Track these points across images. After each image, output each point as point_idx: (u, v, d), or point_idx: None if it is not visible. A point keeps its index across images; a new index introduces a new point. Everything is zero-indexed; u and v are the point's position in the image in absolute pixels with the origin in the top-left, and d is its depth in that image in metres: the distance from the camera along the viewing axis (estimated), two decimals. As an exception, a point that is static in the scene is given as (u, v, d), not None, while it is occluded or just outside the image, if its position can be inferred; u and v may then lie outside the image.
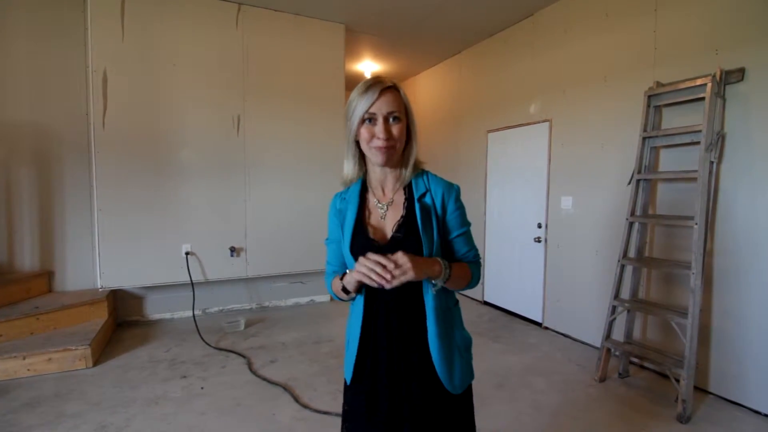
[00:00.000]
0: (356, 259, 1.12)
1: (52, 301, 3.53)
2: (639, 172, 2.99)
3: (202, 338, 3.64)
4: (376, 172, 1.18)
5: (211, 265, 4.11)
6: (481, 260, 1.25)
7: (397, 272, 0.96)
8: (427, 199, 1.15)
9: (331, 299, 4.90)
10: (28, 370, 2.92)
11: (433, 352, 1.12)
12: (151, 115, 3.80)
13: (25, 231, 3.74)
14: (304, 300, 4.83)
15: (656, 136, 2.94)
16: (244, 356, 3.32)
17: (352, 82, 6.26)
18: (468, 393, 1.22)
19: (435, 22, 4.42)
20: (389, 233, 1.14)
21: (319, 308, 4.66)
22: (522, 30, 4.31)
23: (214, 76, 4.02)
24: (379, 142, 1.08)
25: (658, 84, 2.94)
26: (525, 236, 4.28)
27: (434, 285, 1.09)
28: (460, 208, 1.19)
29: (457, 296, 1.24)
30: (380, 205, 1.18)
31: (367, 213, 1.19)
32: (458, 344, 1.18)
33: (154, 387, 2.81)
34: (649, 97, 2.96)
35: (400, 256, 0.98)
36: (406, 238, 1.11)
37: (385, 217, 1.17)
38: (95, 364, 3.13)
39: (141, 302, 4.14)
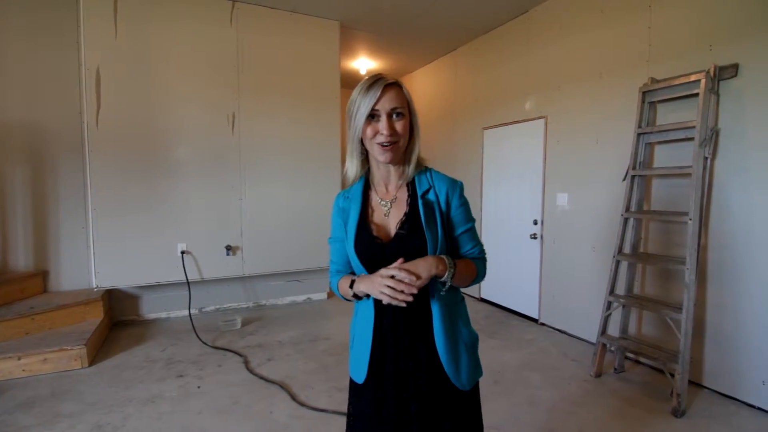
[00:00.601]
0: (360, 257, 1.14)
1: (47, 301, 3.51)
2: (634, 168, 3.00)
3: (198, 337, 3.64)
4: (380, 169, 1.18)
5: (207, 263, 4.10)
6: (487, 255, 1.26)
7: (410, 280, 1.01)
8: (431, 196, 1.15)
9: (329, 296, 4.90)
10: (24, 370, 2.91)
11: (439, 349, 1.12)
12: (145, 113, 3.78)
13: (19, 231, 3.72)
14: (300, 298, 4.83)
15: (651, 132, 2.94)
16: (240, 355, 3.31)
17: (347, 79, 6.24)
18: (476, 390, 1.22)
19: (430, 19, 4.41)
20: (393, 230, 1.14)
21: (315, 306, 4.66)
22: (518, 27, 4.31)
23: (209, 73, 4.00)
24: (382, 139, 1.08)
25: (653, 80, 2.95)
26: (521, 233, 4.29)
27: (443, 284, 1.08)
28: (464, 204, 1.19)
29: None
30: (383, 203, 1.18)
31: (370, 211, 1.19)
32: (465, 340, 1.18)
33: (151, 386, 2.80)
34: (644, 93, 2.97)
35: (405, 265, 1.03)
36: (409, 235, 1.11)
37: (389, 214, 1.17)
38: (91, 364, 3.11)
39: (137, 302, 4.12)
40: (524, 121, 4.22)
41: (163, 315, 4.21)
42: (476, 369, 1.21)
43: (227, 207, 4.16)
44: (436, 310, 1.12)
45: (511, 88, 4.40)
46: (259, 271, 4.36)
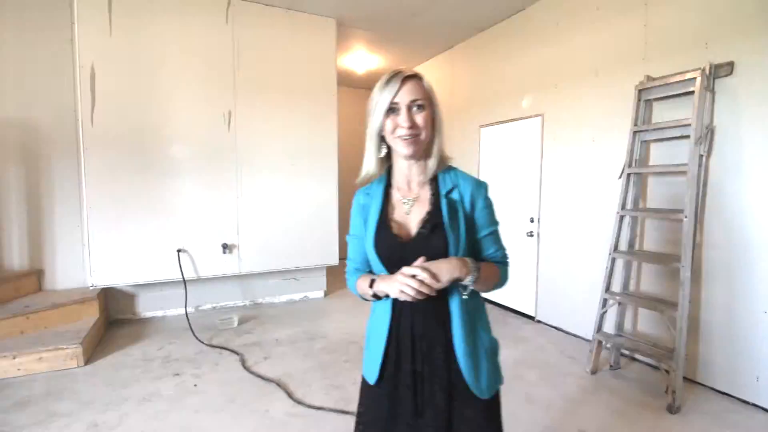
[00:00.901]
0: (379, 256, 1.10)
1: (43, 299, 3.49)
2: (630, 165, 3.01)
3: (195, 336, 3.63)
4: (402, 166, 1.15)
5: (203, 262, 4.09)
6: (509, 260, 1.21)
7: (431, 282, 0.98)
8: (455, 195, 1.11)
9: (326, 294, 4.90)
10: (19, 369, 2.89)
11: (458, 354, 1.08)
12: (141, 111, 3.76)
13: (14, 229, 3.69)
14: (297, 296, 4.82)
15: (647, 130, 2.95)
16: (237, 353, 3.31)
17: (344, 76, 6.23)
18: (496, 398, 1.16)
19: (427, 17, 4.41)
20: (414, 229, 1.10)
21: (312, 305, 4.65)
22: (514, 25, 4.31)
23: (205, 71, 3.98)
24: (403, 132, 1.05)
25: (649, 78, 2.96)
26: (518, 230, 4.30)
27: (464, 288, 1.04)
28: (489, 206, 1.15)
29: None
30: (405, 201, 1.15)
31: (390, 208, 1.15)
32: (485, 346, 1.13)
33: (147, 385, 2.80)
34: (640, 91, 2.97)
35: (427, 264, 1.00)
36: (431, 235, 1.07)
37: (410, 212, 1.13)
38: (87, 362, 3.10)
39: (133, 300, 4.11)
40: (521, 119, 4.23)
41: (160, 313, 4.20)
42: (497, 376, 1.15)
43: (223, 205, 4.14)
44: (455, 313, 1.08)
45: (508, 86, 4.40)
46: (256, 270, 4.35)
